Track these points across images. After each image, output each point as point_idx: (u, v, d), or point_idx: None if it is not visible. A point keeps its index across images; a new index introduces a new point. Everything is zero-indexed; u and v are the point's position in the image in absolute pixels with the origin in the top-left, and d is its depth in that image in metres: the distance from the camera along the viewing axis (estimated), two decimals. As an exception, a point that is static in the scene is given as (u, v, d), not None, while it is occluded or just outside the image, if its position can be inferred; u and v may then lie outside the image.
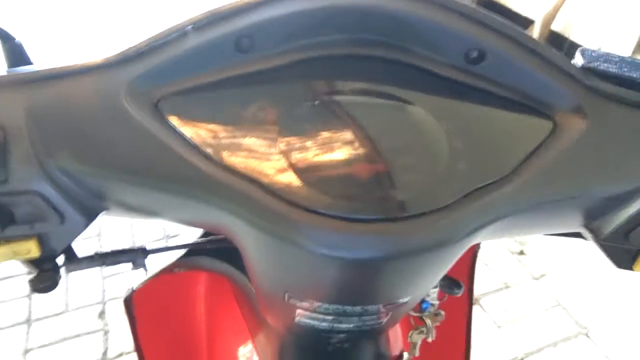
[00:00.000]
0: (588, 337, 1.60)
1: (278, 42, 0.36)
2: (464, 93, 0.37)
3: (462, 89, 0.37)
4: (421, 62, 0.37)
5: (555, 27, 2.88)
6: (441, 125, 0.35)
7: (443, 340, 0.56)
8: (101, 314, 1.71)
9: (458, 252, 0.35)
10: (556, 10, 2.65)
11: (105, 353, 1.60)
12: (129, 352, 1.60)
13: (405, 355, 0.60)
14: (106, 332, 1.66)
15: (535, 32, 2.80)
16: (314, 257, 0.31)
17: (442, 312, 0.53)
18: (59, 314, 1.72)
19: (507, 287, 1.77)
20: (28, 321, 1.70)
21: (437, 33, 0.36)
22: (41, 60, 0.37)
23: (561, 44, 2.88)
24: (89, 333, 1.66)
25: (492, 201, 0.32)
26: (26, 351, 1.61)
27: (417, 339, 0.57)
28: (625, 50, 2.63)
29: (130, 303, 0.60)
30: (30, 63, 0.37)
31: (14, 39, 0.36)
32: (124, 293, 0.59)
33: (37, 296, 1.77)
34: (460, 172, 0.34)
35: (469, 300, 0.75)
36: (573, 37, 2.85)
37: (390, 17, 0.36)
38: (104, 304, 1.75)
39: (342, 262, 0.31)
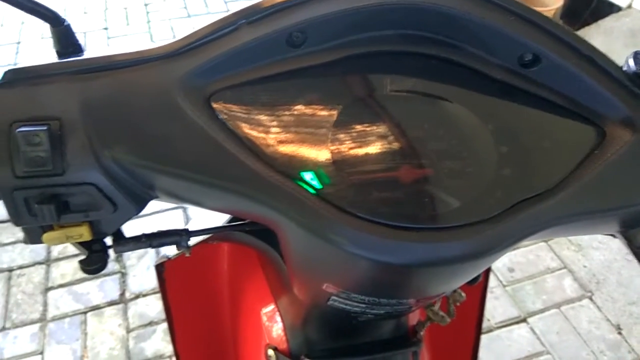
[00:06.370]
0: (592, 300, 1.63)
1: (330, 37, 0.35)
2: (514, 97, 0.36)
3: (513, 93, 0.36)
4: (473, 62, 0.36)
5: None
6: (488, 129, 0.35)
7: (456, 322, 0.57)
8: (118, 257, 1.76)
9: (499, 257, 0.36)
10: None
11: (122, 294, 1.66)
12: (145, 295, 1.66)
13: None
14: (123, 275, 1.72)
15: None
16: (360, 260, 0.32)
17: (464, 294, 0.54)
18: (77, 254, 1.76)
19: (515, 247, 1.80)
20: (47, 261, 1.75)
21: (492, 33, 0.35)
22: (87, 44, 0.36)
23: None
24: (106, 275, 1.71)
25: (537, 214, 0.33)
26: (46, 289, 1.67)
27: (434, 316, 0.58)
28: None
29: (161, 267, 0.63)
30: (79, 47, 0.36)
31: (63, 21, 0.36)
32: (157, 259, 0.61)
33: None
34: (506, 180, 0.34)
35: (484, 287, 0.77)
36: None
37: (445, 15, 0.35)
38: (121, 247, 1.79)
39: (387, 266, 0.32)
